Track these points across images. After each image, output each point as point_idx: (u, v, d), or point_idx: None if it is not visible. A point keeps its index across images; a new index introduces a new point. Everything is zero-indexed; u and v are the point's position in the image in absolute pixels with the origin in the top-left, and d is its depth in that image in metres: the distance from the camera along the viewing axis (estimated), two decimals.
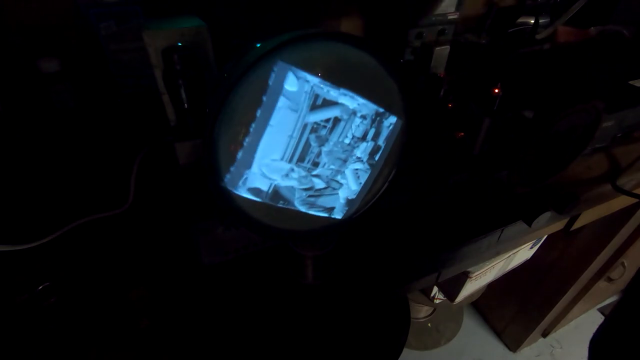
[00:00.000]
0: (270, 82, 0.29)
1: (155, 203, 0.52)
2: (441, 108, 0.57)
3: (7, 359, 0.36)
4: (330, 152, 0.35)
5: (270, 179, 0.33)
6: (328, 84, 0.31)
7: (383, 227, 0.50)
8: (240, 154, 0.31)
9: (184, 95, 0.41)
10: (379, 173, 0.40)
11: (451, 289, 0.93)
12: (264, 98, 0.29)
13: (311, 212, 0.38)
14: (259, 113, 0.30)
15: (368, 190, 0.40)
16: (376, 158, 0.38)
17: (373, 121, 0.35)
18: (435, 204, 0.52)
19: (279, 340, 0.40)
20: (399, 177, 0.41)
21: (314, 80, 0.30)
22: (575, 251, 1.02)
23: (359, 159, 0.37)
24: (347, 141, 0.35)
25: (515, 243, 0.62)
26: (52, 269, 0.43)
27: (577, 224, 0.69)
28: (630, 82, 0.66)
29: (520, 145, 0.48)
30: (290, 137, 0.32)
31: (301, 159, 0.34)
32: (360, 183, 0.39)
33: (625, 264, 1.11)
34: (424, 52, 0.61)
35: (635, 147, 0.68)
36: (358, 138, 0.35)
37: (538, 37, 0.77)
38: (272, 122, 0.30)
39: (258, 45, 0.29)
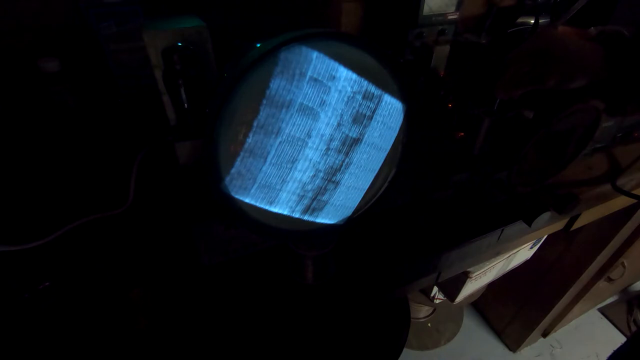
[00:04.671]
0: (271, 82, 0.29)
1: (155, 203, 0.52)
2: (441, 108, 0.57)
3: (7, 358, 0.36)
4: (329, 149, 0.35)
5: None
6: (329, 81, 0.31)
7: (383, 227, 0.50)
8: (240, 154, 0.31)
9: (184, 95, 0.41)
10: (378, 173, 0.40)
11: (451, 289, 0.93)
12: (264, 99, 0.29)
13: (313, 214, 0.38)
14: (259, 113, 0.30)
15: (368, 189, 0.40)
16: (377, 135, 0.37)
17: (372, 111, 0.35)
18: (436, 203, 0.52)
19: (278, 341, 0.40)
20: (399, 177, 0.41)
21: (314, 77, 0.30)
22: (575, 251, 1.02)
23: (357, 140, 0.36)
24: (346, 131, 0.35)
25: (515, 243, 0.62)
26: (52, 269, 0.43)
27: (577, 224, 0.69)
28: None
29: (520, 145, 0.48)
30: (291, 136, 0.32)
31: (303, 158, 0.34)
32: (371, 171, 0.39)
33: (625, 264, 1.11)
34: (424, 52, 0.61)
35: (635, 147, 0.69)
36: (353, 139, 0.35)
37: None
38: (272, 121, 0.30)
39: (258, 45, 0.29)
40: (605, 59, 0.41)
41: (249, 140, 0.31)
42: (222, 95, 0.28)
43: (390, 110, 0.36)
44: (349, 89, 0.33)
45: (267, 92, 0.29)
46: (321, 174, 0.36)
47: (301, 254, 0.41)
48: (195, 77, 0.40)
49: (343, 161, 0.36)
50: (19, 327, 0.38)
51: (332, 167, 0.36)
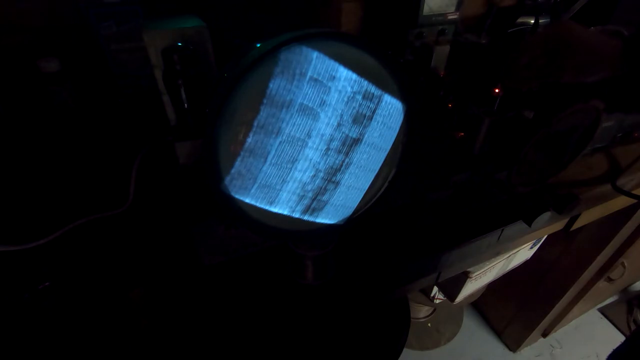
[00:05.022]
0: (271, 82, 0.29)
1: (155, 203, 0.52)
2: (441, 108, 0.57)
3: (7, 358, 0.36)
4: (329, 150, 0.35)
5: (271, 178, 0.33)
6: (329, 81, 0.31)
7: (383, 227, 0.50)
8: (240, 154, 0.31)
9: (184, 95, 0.41)
10: (378, 173, 0.40)
11: (451, 289, 0.93)
12: (264, 99, 0.29)
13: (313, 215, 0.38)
14: (259, 112, 0.30)
15: (368, 189, 0.40)
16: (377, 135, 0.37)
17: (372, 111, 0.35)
18: (436, 203, 0.52)
19: (278, 341, 0.40)
20: (399, 177, 0.41)
21: (314, 77, 0.30)
22: (575, 251, 1.02)
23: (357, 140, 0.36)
24: (346, 131, 0.35)
25: (515, 243, 0.62)
26: (52, 269, 0.43)
27: (577, 224, 0.69)
28: None
29: (520, 145, 0.48)
30: (292, 136, 0.32)
31: (303, 158, 0.34)
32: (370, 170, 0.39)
33: (625, 264, 1.11)
34: (424, 52, 0.62)
35: (635, 147, 0.68)
36: (352, 139, 0.35)
37: None
38: (272, 121, 0.30)
39: (258, 45, 0.29)
40: (624, 54, 0.41)
41: (249, 140, 0.31)
42: (222, 95, 0.28)
43: (390, 110, 0.36)
44: (349, 89, 0.33)
45: (267, 92, 0.29)
46: (321, 174, 0.36)
47: (301, 254, 0.41)
48: (195, 77, 0.40)
49: (343, 161, 0.36)
50: (19, 327, 0.38)
51: (332, 167, 0.36)
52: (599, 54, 0.41)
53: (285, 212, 0.37)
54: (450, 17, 0.66)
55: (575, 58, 0.40)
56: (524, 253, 0.92)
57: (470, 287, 0.90)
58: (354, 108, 0.34)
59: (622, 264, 1.10)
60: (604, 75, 0.41)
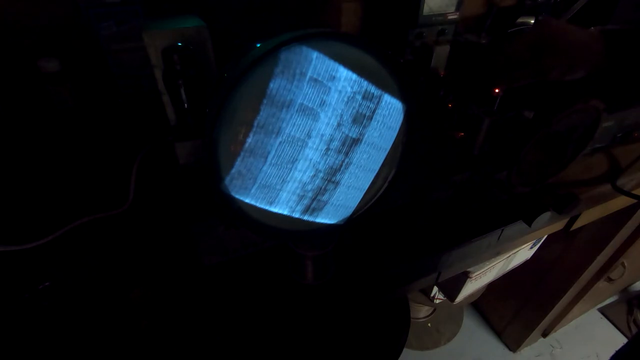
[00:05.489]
0: (271, 82, 0.29)
1: (155, 203, 0.52)
2: (441, 108, 0.57)
3: (7, 358, 0.36)
4: (329, 150, 0.35)
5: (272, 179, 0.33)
6: (329, 81, 0.31)
7: (383, 227, 0.50)
8: (240, 154, 0.31)
9: (184, 95, 0.41)
10: (378, 173, 0.40)
11: (451, 289, 0.93)
12: (264, 99, 0.29)
13: (313, 215, 0.38)
14: (259, 113, 0.30)
15: (368, 189, 0.40)
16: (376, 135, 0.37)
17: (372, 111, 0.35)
18: (436, 203, 0.52)
19: (278, 341, 0.40)
20: (399, 177, 0.41)
21: (314, 77, 0.30)
22: (575, 251, 1.02)
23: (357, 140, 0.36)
24: (346, 131, 0.35)
25: (515, 243, 0.62)
26: (52, 269, 0.43)
27: (577, 224, 0.69)
28: None
29: (520, 145, 0.48)
30: (292, 136, 0.32)
31: (303, 159, 0.34)
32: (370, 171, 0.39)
33: (625, 264, 1.11)
34: (424, 52, 0.62)
35: (635, 147, 0.68)
36: (352, 139, 0.35)
37: None
38: (272, 121, 0.30)
39: (258, 45, 0.29)
40: (606, 47, 0.42)
41: (249, 140, 0.31)
42: (222, 95, 0.28)
43: (390, 110, 0.36)
44: (349, 89, 0.33)
45: (268, 92, 0.29)
46: (321, 174, 0.36)
47: (301, 254, 0.41)
48: (195, 77, 0.40)
49: (343, 161, 0.36)
50: (19, 327, 0.38)
51: (332, 167, 0.36)
52: (581, 49, 0.42)
53: (285, 212, 0.37)
54: (450, 17, 0.66)
55: (561, 56, 0.41)
56: (524, 253, 0.92)
57: (470, 287, 0.90)
58: (354, 108, 0.34)
59: (622, 264, 1.10)
60: (588, 71, 0.42)
